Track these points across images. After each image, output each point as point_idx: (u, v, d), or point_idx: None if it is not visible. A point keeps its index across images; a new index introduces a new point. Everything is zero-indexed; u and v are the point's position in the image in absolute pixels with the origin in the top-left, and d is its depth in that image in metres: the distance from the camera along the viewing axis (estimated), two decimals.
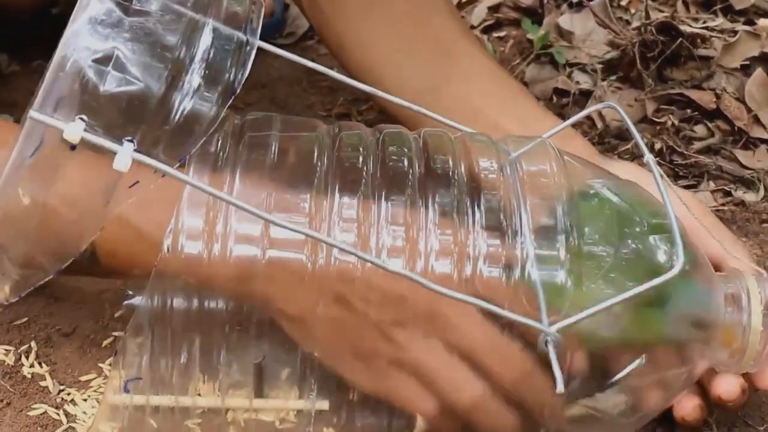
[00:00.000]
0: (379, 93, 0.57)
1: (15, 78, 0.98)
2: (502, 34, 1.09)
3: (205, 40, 0.48)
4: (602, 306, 0.48)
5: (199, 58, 0.48)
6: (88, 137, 0.44)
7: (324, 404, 0.56)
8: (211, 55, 0.48)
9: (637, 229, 0.53)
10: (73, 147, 0.44)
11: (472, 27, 1.09)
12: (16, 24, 1.01)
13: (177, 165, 0.47)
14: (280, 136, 0.54)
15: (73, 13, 0.46)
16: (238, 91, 0.49)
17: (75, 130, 0.43)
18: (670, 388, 0.55)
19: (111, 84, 0.45)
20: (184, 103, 0.47)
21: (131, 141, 0.45)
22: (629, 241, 0.52)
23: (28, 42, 1.00)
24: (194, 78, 0.47)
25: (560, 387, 0.46)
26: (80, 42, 0.45)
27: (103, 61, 0.45)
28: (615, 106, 0.55)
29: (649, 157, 0.51)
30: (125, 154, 0.44)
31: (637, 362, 0.51)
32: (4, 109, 0.93)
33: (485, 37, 1.08)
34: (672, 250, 0.51)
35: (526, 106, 0.72)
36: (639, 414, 0.55)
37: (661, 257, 0.52)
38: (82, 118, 0.44)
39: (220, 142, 0.53)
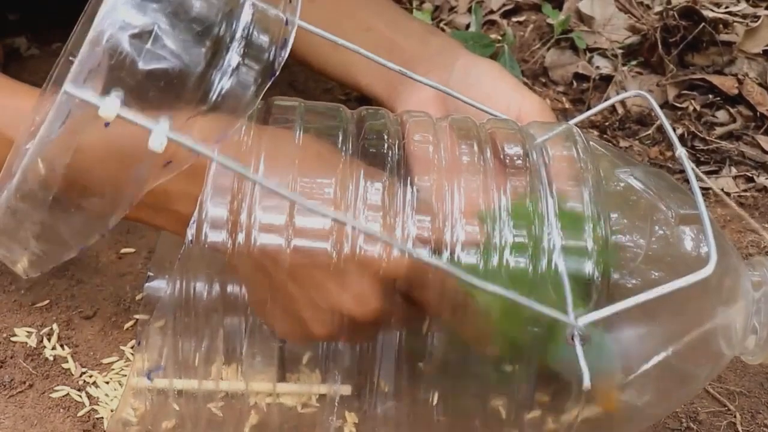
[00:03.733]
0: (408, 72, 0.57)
1: (34, 61, 0.98)
2: (521, 18, 1.08)
3: (245, 17, 0.46)
4: (630, 302, 0.47)
5: (239, 35, 0.46)
6: (123, 114, 0.42)
7: (346, 389, 0.56)
8: (251, 32, 0.46)
9: (665, 219, 0.52)
10: (107, 124, 0.42)
11: (492, 12, 1.09)
12: (35, 7, 1.01)
13: (216, 146, 0.45)
14: (304, 123, 0.54)
15: None
16: (278, 71, 0.47)
17: (111, 106, 0.42)
18: (696, 378, 0.54)
19: (149, 60, 0.43)
20: (222, 82, 0.45)
21: (167, 120, 0.43)
22: (657, 231, 0.51)
23: (47, 25, 1.00)
24: (233, 57, 0.45)
25: (587, 383, 0.45)
26: (118, 16, 0.43)
27: (141, 36, 0.43)
28: (645, 94, 0.54)
29: (681, 150, 0.51)
30: (160, 133, 0.42)
31: (664, 352, 0.51)
32: None
33: (505, 21, 1.08)
34: (699, 237, 0.51)
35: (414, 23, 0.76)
36: (664, 405, 0.54)
37: (689, 247, 0.51)
38: (118, 95, 0.42)
39: (243, 128, 0.53)
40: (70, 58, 0.44)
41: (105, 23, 0.43)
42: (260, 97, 0.46)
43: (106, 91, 0.42)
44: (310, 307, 0.52)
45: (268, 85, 0.47)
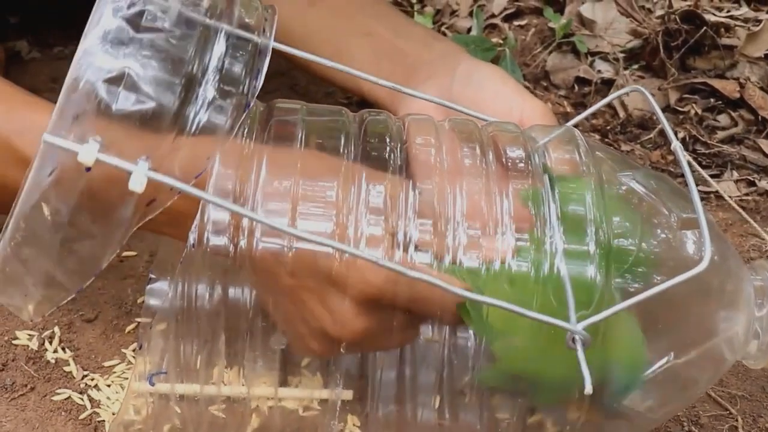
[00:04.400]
0: (396, 85, 0.57)
1: (35, 64, 0.98)
2: (523, 22, 1.08)
3: (219, 47, 0.47)
4: (629, 302, 0.47)
5: (213, 67, 0.47)
6: (103, 158, 0.43)
7: (348, 394, 0.56)
8: (225, 63, 0.47)
9: (667, 223, 0.52)
10: (88, 168, 0.43)
11: (493, 15, 1.09)
12: (36, 10, 1.01)
13: (193, 180, 0.47)
14: (306, 125, 0.54)
15: (85, 30, 0.46)
16: (253, 102, 0.48)
17: (90, 151, 0.43)
18: (697, 384, 0.54)
19: (123, 103, 0.44)
20: (198, 116, 0.46)
21: (146, 160, 0.44)
22: (659, 234, 0.51)
23: (48, 28, 1.00)
24: (208, 90, 0.46)
25: (588, 388, 0.45)
26: (92, 61, 0.44)
27: (115, 80, 0.44)
28: (642, 89, 0.54)
29: (676, 144, 0.51)
30: (140, 174, 0.43)
31: (665, 359, 0.51)
32: None
33: (506, 25, 1.08)
34: (701, 241, 0.51)
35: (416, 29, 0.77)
36: (666, 409, 0.54)
37: (691, 250, 0.51)
38: (96, 140, 0.43)
39: (246, 130, 0.53)
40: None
41: (80, 68, 0.44)
42: (236, 129, 0.47)
43: (86, 136, 0.43)
44: (304, 324, 0.52)
45: (243, 117, 0.48)
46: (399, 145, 0.53)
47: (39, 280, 0.47)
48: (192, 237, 0.49)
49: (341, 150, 0.53)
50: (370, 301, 0.50)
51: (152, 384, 0.50)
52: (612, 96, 0.58)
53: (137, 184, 0.43)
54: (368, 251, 0.49)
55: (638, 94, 0.57)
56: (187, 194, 0.45)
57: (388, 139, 0.53)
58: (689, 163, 0.49)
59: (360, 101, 0.96)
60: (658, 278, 0.49)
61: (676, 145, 0.50)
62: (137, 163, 0.44)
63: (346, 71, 0.57)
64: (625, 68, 1.00)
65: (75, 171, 0.44)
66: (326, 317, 0.51)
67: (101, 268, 0.47)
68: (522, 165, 0.53)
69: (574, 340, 0.46)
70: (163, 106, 0.45)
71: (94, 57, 0.44)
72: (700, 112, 0.94)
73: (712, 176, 0.89)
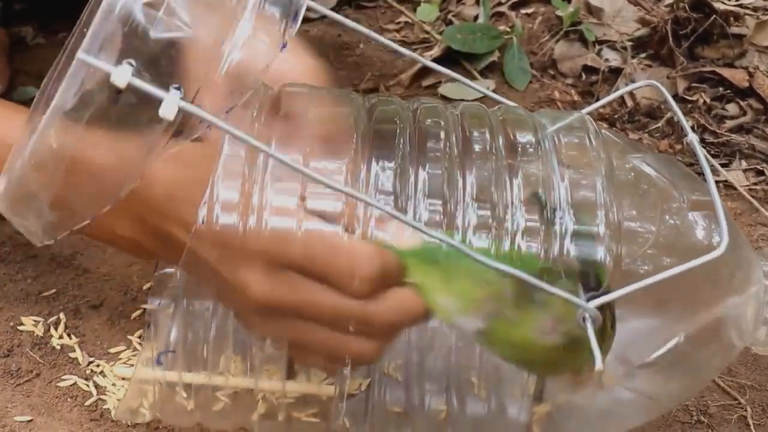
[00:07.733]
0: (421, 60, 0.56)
1: (40, 50, 0.98)
2: (530, 10, 1.08)
3: None
4: (640, 285, 0.47)
5: (251, 6, 0.46)
6: (135, 82, 0.42)
7: (354, 384, 0.55)
8: (264, 3, 0.46)
9: (676, 205, 0.52)
10: (119, 91, 0.42)
11: (500, 3, 1.08)
12: None
13: (224, 115, 0.46)
14: (315, 107, 0.53)
15: None
16: (288, 44, 0.47)
17: (123, 74, 0.42)
18: (706, 369, 0.54)
19: (161, 29, 0.43)
20: (233, 54, 0.45)
21: (178, 89, 0.43)
22: (668, 217, 0.51)
23: (53, 14, 1.00)
24: (245, 28, 0.45)
25: (599, 365, 0.45)
26: None
27: (154, 5, 0.43)
28: (657, 84, 0.54)
29: (692, 136, 0.50)
30: (172, 102, 0.43)
31: (675, 340, 0.51)
32: (30, 81, 0.93)
33: (513, 13, 1.07)
34: (711, 226, 0.50)
35: None
36: (675, 395, 0.54)
37: (700, 234, 0.51)
38: (130, 63, 0.42)
39: (255, 113, 0.52)
40: (84, 29, 0.44)
41: None
42: (269, 69, 0.46)
43: (119, 60, 0.42)
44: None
45: (276, 57, 0.46)
46: (409, 128, 0.53)
47: (54, 204, 0.46)
48: (201, 215, 0.49)
49: (351, 132, 0.52)
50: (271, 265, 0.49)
51: (160, 363, 0.50)
52: (627, 89, 0.58)
53: (168, 112, 0.42)
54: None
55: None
56: (215, 126, 0.44)
57: (397, 121, 0.53)
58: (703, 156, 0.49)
59: (367, 88, 0.95)
60: (668, 260, 0.49)
61: (692, 137, 0.50)
62: (169, 91, 0.43)
63: (375, 39, 0.56)
64: (633, 57, 1.00)
65: (102, 94, 0.43)
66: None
67: (120, 197, 0.46)
68: (532, 150, 0.52)
69: (584, 318, 0.46)
70: (200, 36, 0.44)
71: None
72: (708, 101, 0.94)
73: (720, 165, 0.88)
